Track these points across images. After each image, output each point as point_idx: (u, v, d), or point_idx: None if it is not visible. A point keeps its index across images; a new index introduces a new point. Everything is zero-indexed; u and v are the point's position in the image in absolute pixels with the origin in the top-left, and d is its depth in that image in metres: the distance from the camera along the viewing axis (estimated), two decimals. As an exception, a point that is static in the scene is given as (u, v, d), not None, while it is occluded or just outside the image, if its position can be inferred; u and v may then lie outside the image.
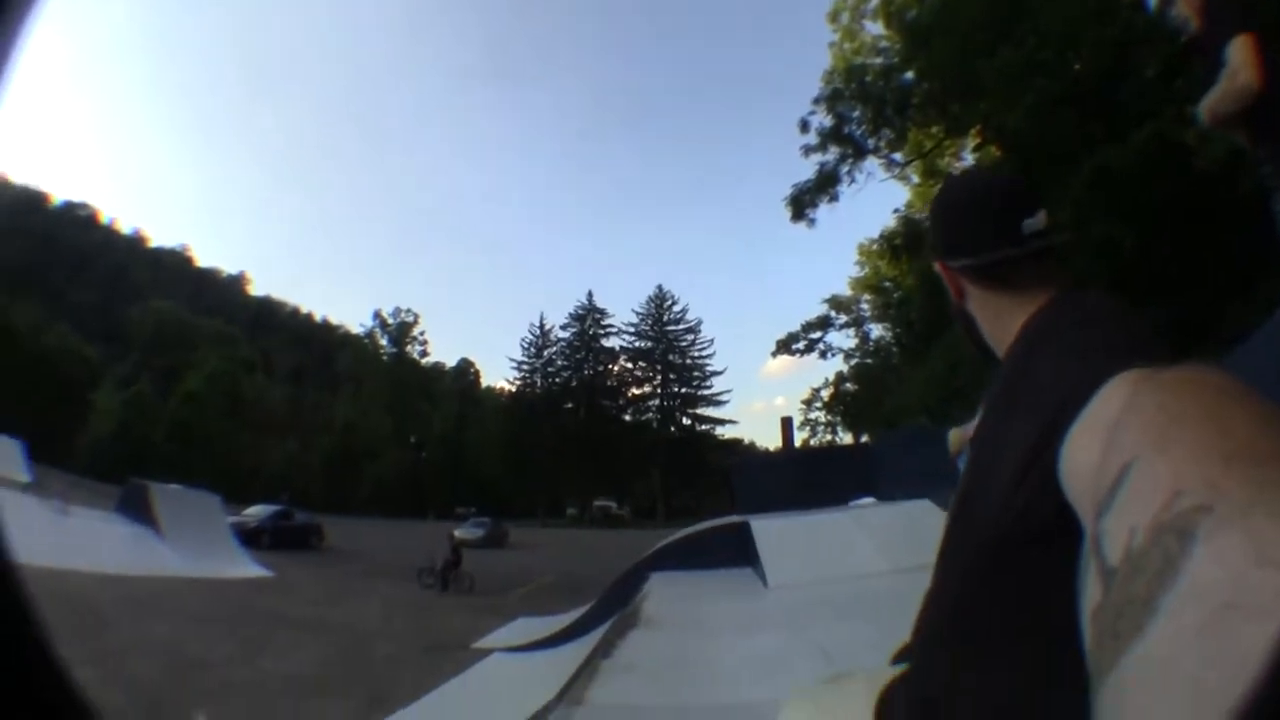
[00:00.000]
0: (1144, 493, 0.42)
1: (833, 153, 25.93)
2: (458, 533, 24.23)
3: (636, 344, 70.51)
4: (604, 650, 4.93)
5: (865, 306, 44.11)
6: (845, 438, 43.37)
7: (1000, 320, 1.07)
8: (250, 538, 23.34)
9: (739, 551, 9.56)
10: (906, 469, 14.41)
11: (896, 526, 10.03)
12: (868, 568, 8.40)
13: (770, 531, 9.50)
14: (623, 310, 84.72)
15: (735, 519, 11.04)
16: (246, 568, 18.35)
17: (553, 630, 10.29)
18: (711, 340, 71.34)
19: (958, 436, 1.82)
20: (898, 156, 27.54)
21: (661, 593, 7.71)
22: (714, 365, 70.70)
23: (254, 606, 13.15)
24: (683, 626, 5.89)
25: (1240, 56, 2.93)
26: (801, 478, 16.04)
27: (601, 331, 70.99)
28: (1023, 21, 16.00)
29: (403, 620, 13.55)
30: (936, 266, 1.19)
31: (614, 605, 8.74)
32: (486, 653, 10.25)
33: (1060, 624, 0.56)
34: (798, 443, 25.35)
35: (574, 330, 70.81)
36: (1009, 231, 1.05)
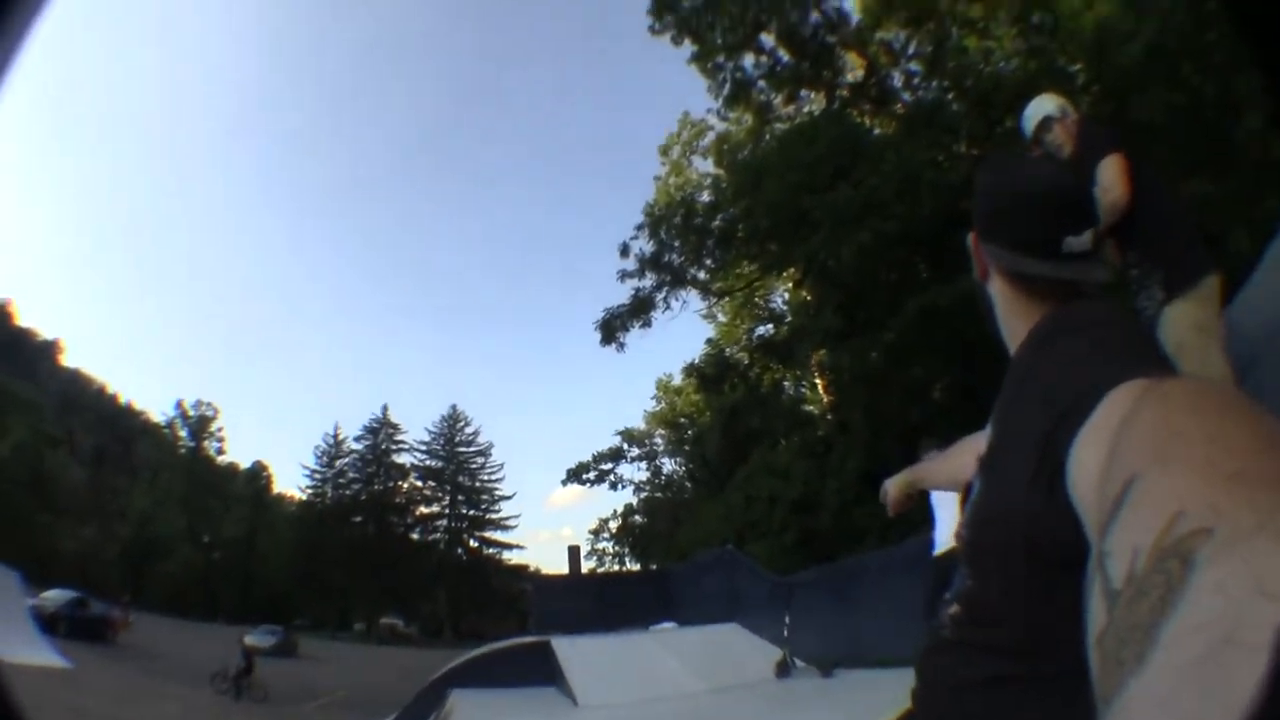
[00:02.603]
0: (1146, 512, 0.41)
1: (650, 279, 26.42)
2: (249, 639, 24.39)
3: (427, 462, 68.80)
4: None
5: (659, 440, 44.87)
6: (633, 568, 43.01)
7: (1015, 317, 1.08)
8: (48, 623, 22.15)
9: (541, 670, 9.05)
10: (707, 594, 14.26)
11: (705, 649, 9.84)
12: (681, 688, 7.99)
13: (575, 651, 9.13)
14: (415, 427, 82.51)
15: (535, 638, 10.49)
16: (46, 655, 17.57)
17: (354, 746, 9.67)
18: (502, 465, 69.55)
19: (902, 481, 1.78)
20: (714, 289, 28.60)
21: (467, 709, 6.97)
22: (503, 490, 69.08)
23: (55, 699, 13.00)
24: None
25: (1111, 175, 3.12)
26: (600, 601, 15.46)
27: (394, 447, 68.78)
28: (860, 164, 17.11)
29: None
30: (970, 237, 1.18)
31: (417, 720, 8.21)
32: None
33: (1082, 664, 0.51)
34: (584, 572, 24.64)
35: (367, 443, 68.36)
36: (1049, 245, 1.05)
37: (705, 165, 29.25)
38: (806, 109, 23.37)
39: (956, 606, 1.04)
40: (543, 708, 7.50)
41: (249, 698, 19.45)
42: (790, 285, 26.60)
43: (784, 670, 8.22)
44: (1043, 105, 3.63)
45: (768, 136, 23.51)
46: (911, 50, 21.01)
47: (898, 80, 21.86)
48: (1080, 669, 0.76)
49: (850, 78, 22.59)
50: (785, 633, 8.90)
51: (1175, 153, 12.78)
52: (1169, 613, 0.33)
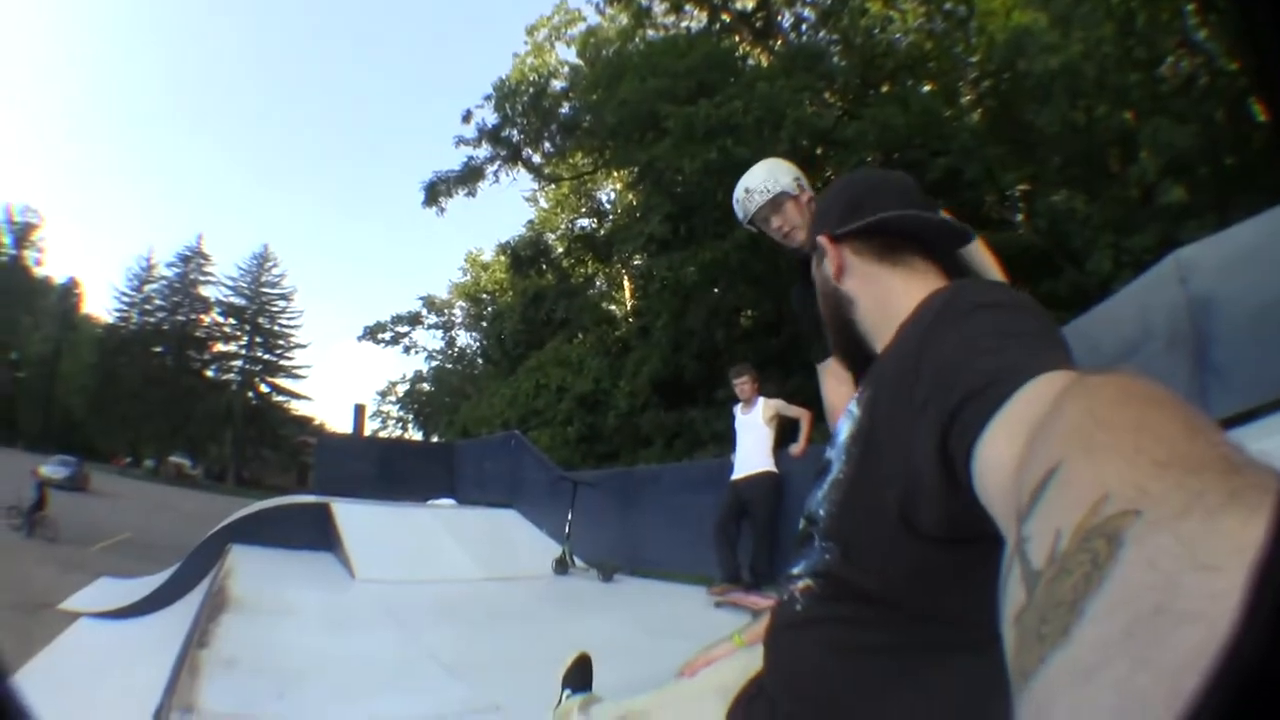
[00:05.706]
0: (1070, 496, 0.40)
1: (485, 150, 25.72)
2: (43, 470, 25.01)
3: (231, 298, 67.56)
4: (200, 639, 3.97)
5: (459, 312, 44.18)
6: (415, 436, 42.65)
7: (886, 299, 1.08)
8: None
9: (319, 533, 8.90)
10: (488, 475, 14.36)
11: (485, 533, 9.98)
12: (459, 573, 8.08)
13: (355, 519, 9.02)
14: (226, 263, 78.83)
15: (315, 499, 10.35)
16: None
17: (137, 596, 9.91)
18: (302, 311, 69.97)
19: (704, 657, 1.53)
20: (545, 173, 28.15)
21: (245, 569, 6.77)
22: (299, 338, 70.97)
23: None
24: (276, 614, 5.08)
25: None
26: (382, 467, 15.12)
27: (202, 278, 67.31)
28: (725, 87, 16.85)
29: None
30: (823, 241, 1.17)
31: (196, 575, 8.38)
32: (74, 616, 10.19)
33: (977, 632, 0.56)
34: (367, 433, 24.16)
35: (178, 271, 66.62)
36: (918, 204, 1.14)
37: (568, 54, 28.56)
38: (685, 24, 23.02)
39: (809, 582, 1.03)
40: (319, 575, 7.33)
41: (40, 535, 19.14)
42: (620, 185, 26.64)
43: (562, 567, 8.43)
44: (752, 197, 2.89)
45: (638, 40, 23.02)
46: (811, -2, 20.95)
47: (787, 20, 21.88)
48: (958, 642, 0.83)
49: (739, 5, 22.41)
50: (566, 529, 9.00)
51: (1059, 168, 13.45)
52: (1095, 588, 0.31)
